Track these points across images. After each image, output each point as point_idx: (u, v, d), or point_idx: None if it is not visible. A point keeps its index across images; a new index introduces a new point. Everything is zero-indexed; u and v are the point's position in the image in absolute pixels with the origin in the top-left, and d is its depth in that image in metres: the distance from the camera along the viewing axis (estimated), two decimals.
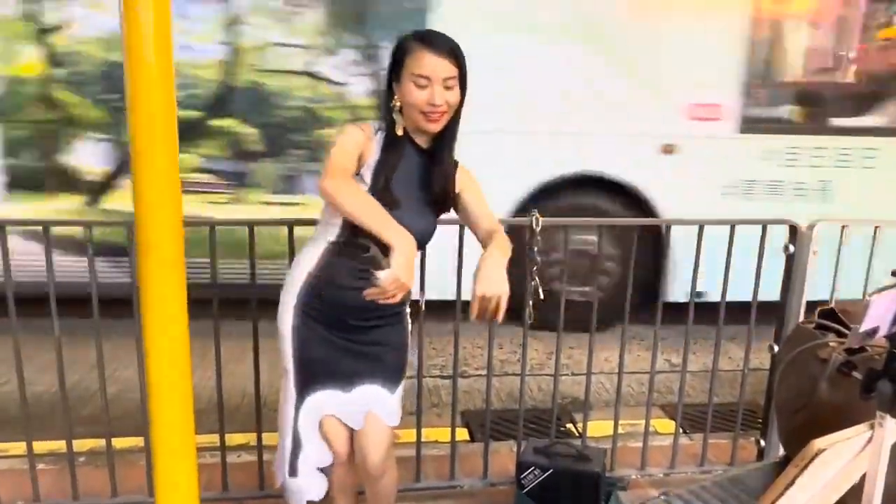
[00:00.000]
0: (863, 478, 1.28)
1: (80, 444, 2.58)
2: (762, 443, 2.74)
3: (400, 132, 1.75)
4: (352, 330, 1.80)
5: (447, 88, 1.67)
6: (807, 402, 1.45)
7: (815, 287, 2.55)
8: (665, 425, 3.28)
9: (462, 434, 3.16)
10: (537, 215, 2.32)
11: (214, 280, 2.36)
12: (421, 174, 1.79)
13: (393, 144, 1.75)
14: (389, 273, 1.51)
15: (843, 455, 1.23)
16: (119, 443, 2.48)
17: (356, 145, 1.71)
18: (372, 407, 1.85)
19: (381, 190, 1.70)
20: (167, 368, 1.48)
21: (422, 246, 1.83)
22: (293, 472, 1.90)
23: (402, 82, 1.69)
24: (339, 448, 1.91)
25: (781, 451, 2.44)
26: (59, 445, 2.74)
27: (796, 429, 1.47)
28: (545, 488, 2.32)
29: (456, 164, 1.85)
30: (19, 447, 2.86)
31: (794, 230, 2.55)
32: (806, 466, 1.18)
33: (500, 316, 1.65)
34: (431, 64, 1.65)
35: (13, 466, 2.64)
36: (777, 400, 1.62)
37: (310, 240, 1.85)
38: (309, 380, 1.83)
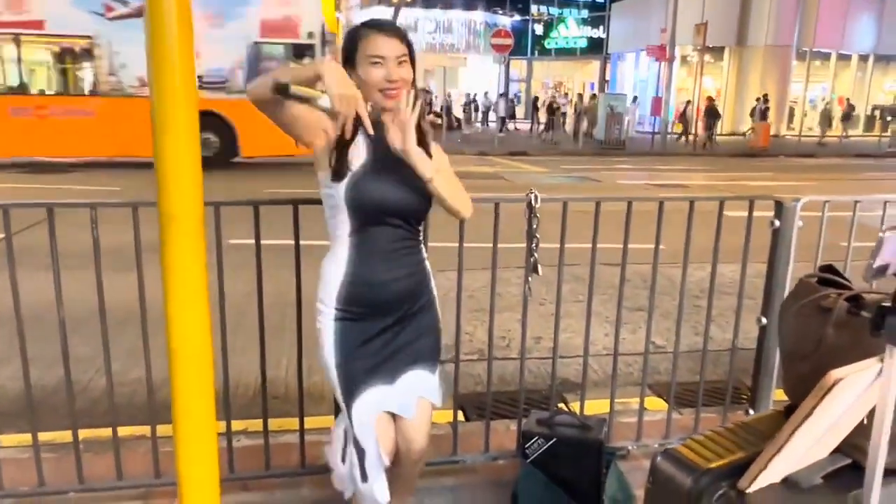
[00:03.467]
0: (870, 413, 1.36)
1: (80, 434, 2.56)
2: (751, 412, 2.84)
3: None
4: (388, 328, 1.86)
5: (400, 65, 1.79)
6: (814, 349, 1.54)
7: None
8: (654, 403, 3.38)
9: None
10: (536, 192, 2.40)
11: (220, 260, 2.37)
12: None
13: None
14: (331, 96, 1.63)
15: (856, 387, 1.31)
16: (120, 431, 2.48)
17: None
18: (420, 392, 1.90)
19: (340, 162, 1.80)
20: (189, 337, 1.49)
21: (425, 210, 1.92)
22: (365, 477, 1.88)
23: (359, 67, 1.80)
24: (386, 448, 1.89)
25: None
26: (55, 436, 2.72)
27: (803, 375, 1.55)
28: (549, 457, 2.37)
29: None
30: (11, 439, 2.84)
31: (779, 205, 2.67)
32: (824, 396, 1.26)
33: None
34: (384, 44, 1.78)
35: (9, 456, 2.61)
36: (782, 348, 1.70)
37: (329, 248, 1.89)
38: (354, 383, 1.86)
